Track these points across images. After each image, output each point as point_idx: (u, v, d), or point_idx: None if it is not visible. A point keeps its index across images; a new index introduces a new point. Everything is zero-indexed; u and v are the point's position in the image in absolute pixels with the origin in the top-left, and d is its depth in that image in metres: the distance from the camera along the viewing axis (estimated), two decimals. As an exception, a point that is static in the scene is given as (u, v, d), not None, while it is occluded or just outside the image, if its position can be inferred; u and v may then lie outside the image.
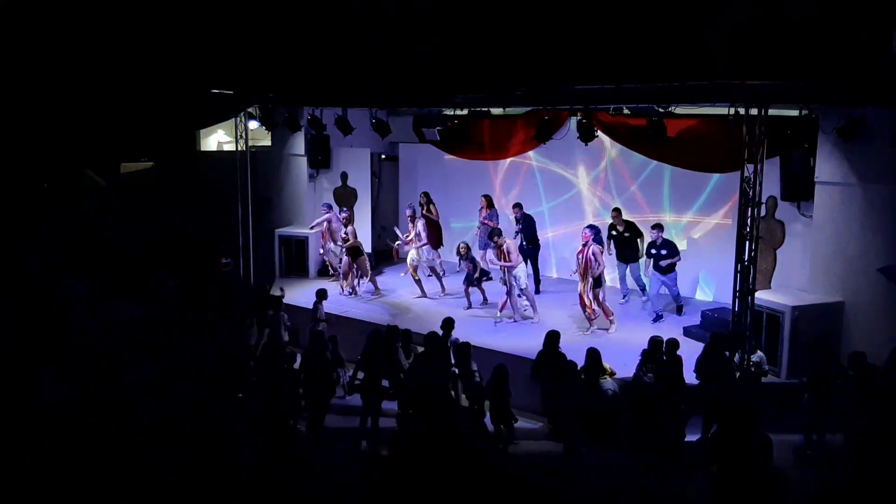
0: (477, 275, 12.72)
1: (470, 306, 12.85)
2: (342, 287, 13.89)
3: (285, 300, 12.46)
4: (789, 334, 9.91)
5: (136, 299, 14.08)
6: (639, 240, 12.48)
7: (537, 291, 13.28)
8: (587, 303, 11.45)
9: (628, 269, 12.79)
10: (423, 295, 13.61)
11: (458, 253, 12.70)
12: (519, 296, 12.09)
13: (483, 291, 12.98)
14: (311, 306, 12.05)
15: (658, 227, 11.93)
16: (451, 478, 6.91)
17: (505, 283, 12.07)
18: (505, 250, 11.87)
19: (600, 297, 11.50)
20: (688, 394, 9.04)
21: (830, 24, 9.67)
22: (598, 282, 11.39)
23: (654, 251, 11.88)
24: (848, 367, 8.74)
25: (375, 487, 7.78)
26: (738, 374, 9.34)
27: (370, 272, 13.90)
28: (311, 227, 14.93)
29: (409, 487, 6.69)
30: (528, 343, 10.64)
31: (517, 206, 13.52)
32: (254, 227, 14.94)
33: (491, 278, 12.92)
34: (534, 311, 12.20)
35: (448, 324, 10.29)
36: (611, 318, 11.62)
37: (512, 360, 10.16)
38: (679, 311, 12.27)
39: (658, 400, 8.90)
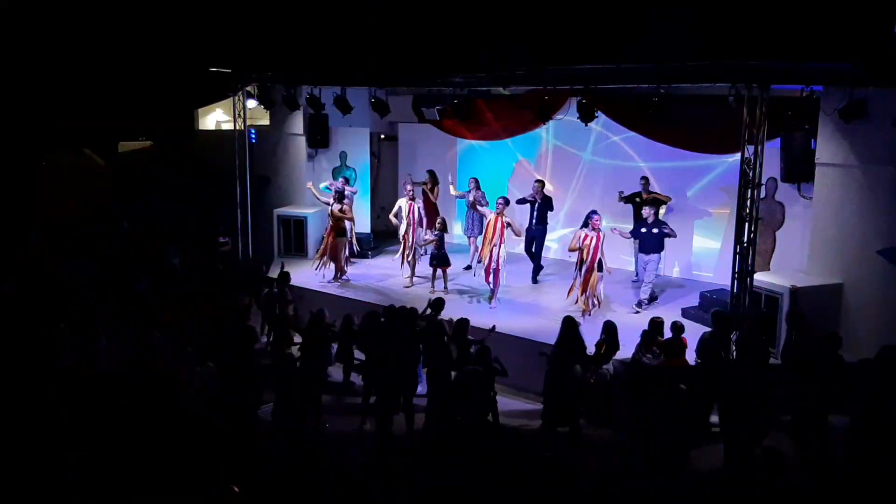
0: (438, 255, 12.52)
1: (434, 290, 12.50)
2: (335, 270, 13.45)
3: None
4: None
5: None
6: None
7: (535, 280, 13.07)
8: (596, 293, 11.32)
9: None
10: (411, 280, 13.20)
11: (436, 227, 12.63)
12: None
13: (445, 277, 12.73)
14: (308, 286, 12.09)
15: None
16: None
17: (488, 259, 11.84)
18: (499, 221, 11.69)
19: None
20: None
21: (832, 2, 9.58)
22: (601, 266, 11.30)
23: (644, 230, 11.69)
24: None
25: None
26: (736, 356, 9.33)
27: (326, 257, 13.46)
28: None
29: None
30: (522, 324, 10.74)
31: (539, 181, 13.05)
32: (252, 207, 14.89)
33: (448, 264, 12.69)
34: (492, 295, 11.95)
35: (438, 304, 10.00)
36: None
37: (511, 340, 10.26)
38: (650, 300, 11.87)
39: (656, 381, 8.90)
